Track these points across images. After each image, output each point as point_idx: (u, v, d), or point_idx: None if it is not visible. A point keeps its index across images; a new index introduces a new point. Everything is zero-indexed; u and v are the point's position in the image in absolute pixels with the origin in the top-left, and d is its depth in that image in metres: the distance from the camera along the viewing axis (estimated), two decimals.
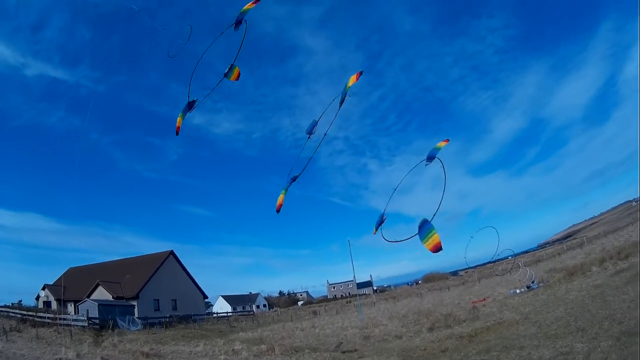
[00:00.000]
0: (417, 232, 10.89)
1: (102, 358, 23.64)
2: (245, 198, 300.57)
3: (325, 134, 13.85)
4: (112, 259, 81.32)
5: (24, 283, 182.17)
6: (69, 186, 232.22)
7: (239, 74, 12.23)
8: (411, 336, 24.99)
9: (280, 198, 14.70)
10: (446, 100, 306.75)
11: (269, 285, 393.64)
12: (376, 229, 13.01)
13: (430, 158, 13.15)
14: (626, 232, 58.91)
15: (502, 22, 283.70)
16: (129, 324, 44.78)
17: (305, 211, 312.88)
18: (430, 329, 25.45)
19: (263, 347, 25.72)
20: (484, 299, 35.65)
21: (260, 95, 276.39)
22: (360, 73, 13.38)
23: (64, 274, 79.41)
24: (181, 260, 73.18)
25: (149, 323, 48.64)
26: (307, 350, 23.49)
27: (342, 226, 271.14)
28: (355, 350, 23.00)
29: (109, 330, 40.52)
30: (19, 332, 35.07)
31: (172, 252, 72.12)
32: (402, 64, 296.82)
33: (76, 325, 40.32)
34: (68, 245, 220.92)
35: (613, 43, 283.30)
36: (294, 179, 14.18)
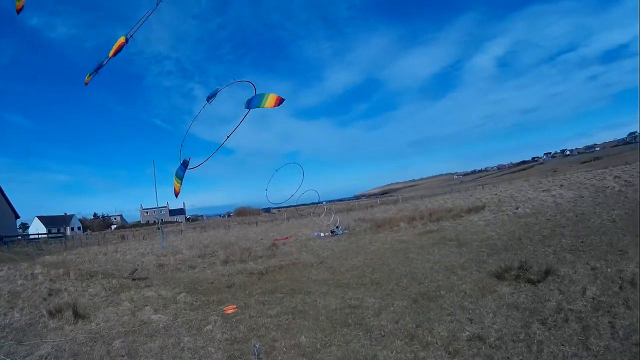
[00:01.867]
0: (246, 108, 9.75)
1: None
2: (70, 110, 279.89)
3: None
4: None
5: None
6: None
7: (22, 7, 10.59)
8: (204, 267, 23.85)
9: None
10: (286, 40, 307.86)
11: (85, 207, 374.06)
12: (180, 182, 11.41)
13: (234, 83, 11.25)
14: (442, 199, 62.24)
15: None
16: None
17: (126, 129, 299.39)
18: (225, 262, 24.35)
19: (60, 271, 23.35)
20: (287, 238, 34.99)
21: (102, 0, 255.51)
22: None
23: None
24: None
25: None
26: (100, 276, 21.81)
27: (162, 150, 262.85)
28: (146, 278, 21.61)
29: None
30: None
31: None
32: None
33: None
34: None
35: (469, 33, 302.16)
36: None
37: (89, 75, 11.64)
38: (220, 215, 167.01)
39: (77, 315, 12.39)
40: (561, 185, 43.10)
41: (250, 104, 9.45)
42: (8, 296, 16.86)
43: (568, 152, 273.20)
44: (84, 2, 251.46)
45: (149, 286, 17.83)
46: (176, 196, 12.42)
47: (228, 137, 10.17)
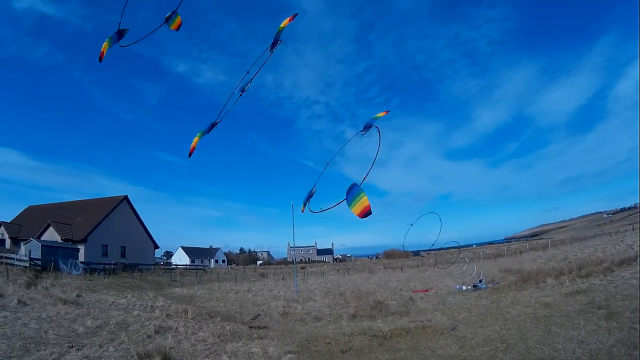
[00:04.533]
0: (345, 197, 9.20)
1: (19, 300, 21.78)
2: (221, 151, 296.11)
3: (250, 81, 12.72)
4: (70, 200, 78.61)
5: None
6: (45, 122, 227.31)
7: (180, 24, 11.27)
8: (329, 321, 22.17)
9: (194, 141, 13.69)
10: (433, 81, 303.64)
11: (233, 241, 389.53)
12: (304, 206, 11.19)
13: (367, 127, 11.18)
14: (592, 244, 56.68)
15: (501, 14, 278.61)
16: (71, 267, 44.17)
17: (278, 170, 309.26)
18: (353, 317, 22.58)
19: (179, 307, 23.95)
20: (427, 290, 32.70)
21: (247, 49, 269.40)
22: (295, 15, 11.95)
23: (22, 212, 77.88)
24: (141, 206, 72.72)
25: (92, 268, 47.96)
26: (219, 318, 21.52)
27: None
28: (265, 328, 20.42)
29: (50, 273, 40.16)
30: None
31: (126, 198, 69.39)
32: (394, 39, 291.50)
33: (19, 266, 40.15)
34: (35, 182, 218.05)
35: (609, 58, 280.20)
36: (213, 125, 13.27)
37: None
38: (368, 257, 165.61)
39: None
40: None
41: (348, 197, 8.80)
42: (115, 327, 16.78)
43: None
44: (228, 49, 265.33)
45: (261, 338, 16.79)
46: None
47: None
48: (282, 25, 11.70)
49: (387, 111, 11.56)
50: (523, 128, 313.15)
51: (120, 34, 11.31)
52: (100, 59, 11.73)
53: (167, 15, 11.03)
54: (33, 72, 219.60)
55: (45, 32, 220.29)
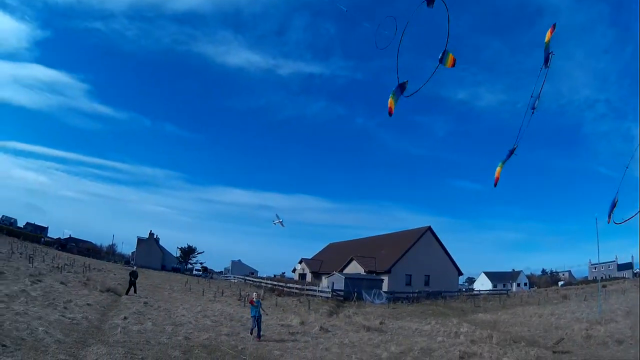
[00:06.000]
0: None
1: (320, 327, 23.48)
2: (517, 169, 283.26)
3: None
4: (372, 235, 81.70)
5: (292, 256, 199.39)
6: (338, 168, 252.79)
7: (454, 60, 11.57)
8: (630, 344, 20.28)
9: (497, 171, 15.06)
10: None
11: (533, 262, 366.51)
12: (609, 217, 12.89)
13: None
14: None
15: None
16: (374, 297, 44.37)
17: (570, 183, 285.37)
18: None
19: (483, 333, 23.47)
20: None
21: (517, 62, 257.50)
22: (554, 26, 13.08)
23: (323, 249, 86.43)
24: (443, 235, 68.55)
25: (395, 297, 47.71)
26: (523, 344, 20.49)
27: (608, 199, 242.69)
28: (568, 352, 19.46)
29: (352, 302, 41.18)
30: (262, 300, 37.36)
31: (429, 228, 67.67)
32: None
33: (320, 296, 42.86)
34: (334, 222, 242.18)
35: None
36: (512, 152, 14.57)
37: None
38: None
39: None
40: None
41: None
42: (418, 352, 17.77)
43: None
44: (499, 67, 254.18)
45: None
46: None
47: None
48: (546, 39, 12.77)
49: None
50: None
51: (402, 87, 12.32)
52: (390, 114, 12.76)
53: (440, 57, 11.52)
54: (314, 126, 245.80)
55: (317, 89, 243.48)
